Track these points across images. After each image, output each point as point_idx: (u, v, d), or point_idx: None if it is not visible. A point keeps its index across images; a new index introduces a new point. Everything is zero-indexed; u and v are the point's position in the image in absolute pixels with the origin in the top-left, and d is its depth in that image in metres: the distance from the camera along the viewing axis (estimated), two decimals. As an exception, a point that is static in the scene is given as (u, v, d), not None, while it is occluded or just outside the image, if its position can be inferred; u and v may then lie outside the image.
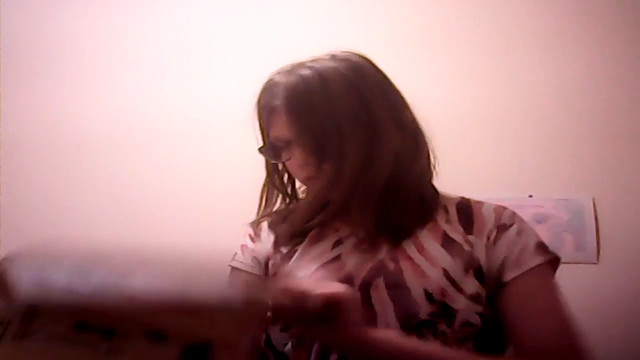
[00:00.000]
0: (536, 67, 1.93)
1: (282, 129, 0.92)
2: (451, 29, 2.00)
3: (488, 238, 0.92)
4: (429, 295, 0.86)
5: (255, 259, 1.02)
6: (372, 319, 0.86)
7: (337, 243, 0.96)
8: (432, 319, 0.86)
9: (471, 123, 1.90)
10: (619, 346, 1.71)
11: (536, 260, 0.90)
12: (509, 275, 0.89)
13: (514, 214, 0.95)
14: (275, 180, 1.02)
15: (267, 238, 1.03)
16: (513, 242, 0.91)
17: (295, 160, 0.92)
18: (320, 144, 0.89)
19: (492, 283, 0.90)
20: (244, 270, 1.01)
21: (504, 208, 0.96)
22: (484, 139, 1.89)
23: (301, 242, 0.98)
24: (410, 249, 0.92)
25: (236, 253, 1.04)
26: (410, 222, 0.94)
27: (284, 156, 0.94)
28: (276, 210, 1.04)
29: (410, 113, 0.97)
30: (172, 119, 2.12)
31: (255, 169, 1.05)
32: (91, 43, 2.21)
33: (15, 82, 2.20)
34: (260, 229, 1.05)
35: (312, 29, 2.05)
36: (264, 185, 1.04)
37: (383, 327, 0.86)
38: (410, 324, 0.85)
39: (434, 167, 0.99)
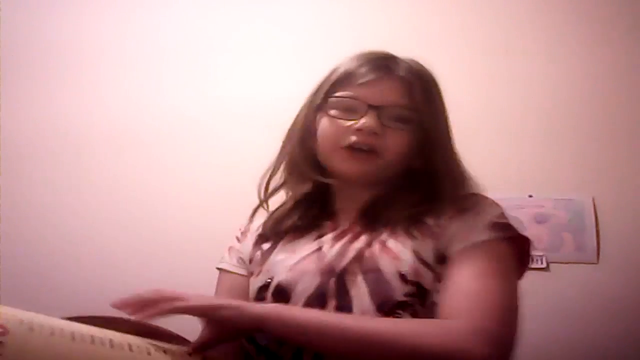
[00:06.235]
0: (536, 67, 1.93)
1: (386, 95, 0.95)
2: (450, 29, 2.00)
3: (448, 218, 0.91)
4: (403, 277, 0.87)
5: (240, 259, 1.04)
6: (347, 304, 0.87)
7: (320, 236, 0.98)
8: (407, 300, 0.86)
9: (471, 123, 1.89)
10: (619, 346, 1.71)
11: (483, 236, 0.87)
12: (452, 250, 0.88)
13: (482, 200, 0.95)
14: (298, 154, 1.01)
15: (251, 237, 1.05)
16: (465, 221, 0.90)
17: (370, 124, 0.93)
18: (420, 124, 0.95)
19: (443, 262, 0.89)
20: (229, 271, 1.04)
21: (481, 196, 0.96)
22: (484, 139, 1.89)
23: (282, 238, 1.00)
24: (383, 233, 0.93)
25: (224, 255, 1.07)
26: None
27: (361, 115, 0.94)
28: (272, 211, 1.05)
29: None
30: (172, 119, 2.12)
31: (257, 169, 1.05)
32: (91, 43, 2.21)
33: (15, 82, 2.20)
34: (248, 229, 1.08)
35: (313, 30, 2.04)
36: (271, 175, 1.04)
37: (359, 311, 0.86)
38: (386, 306, 0.86)
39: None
